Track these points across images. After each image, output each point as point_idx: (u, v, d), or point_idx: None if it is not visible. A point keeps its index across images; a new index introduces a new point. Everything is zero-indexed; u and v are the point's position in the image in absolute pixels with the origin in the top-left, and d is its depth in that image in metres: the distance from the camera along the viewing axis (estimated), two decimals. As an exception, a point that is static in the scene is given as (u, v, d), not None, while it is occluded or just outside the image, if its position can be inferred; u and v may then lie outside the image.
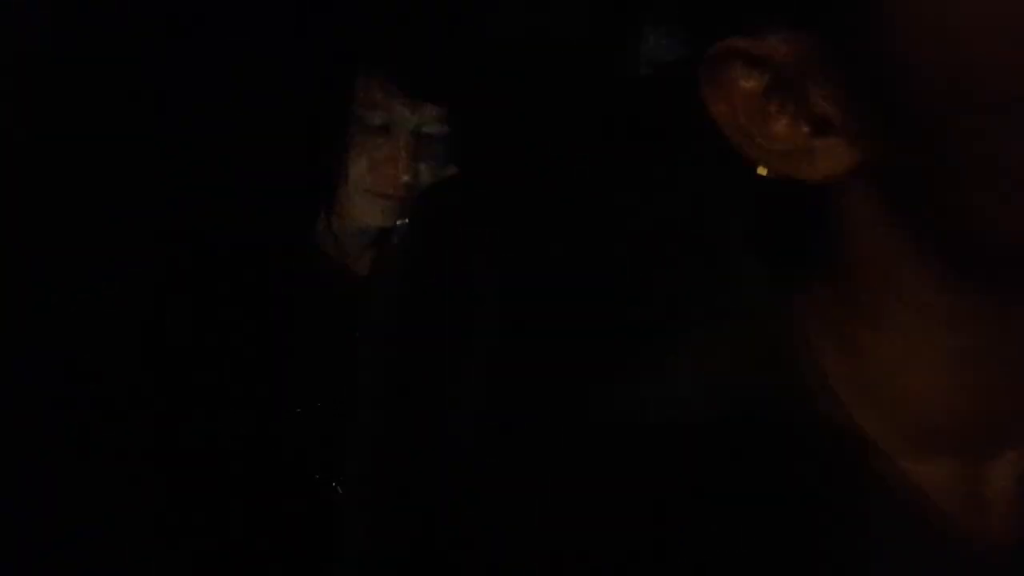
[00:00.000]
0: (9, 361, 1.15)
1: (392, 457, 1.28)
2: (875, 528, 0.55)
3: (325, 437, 1.34)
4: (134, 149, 1.17)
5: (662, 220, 1.13)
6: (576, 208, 1.24)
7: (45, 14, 1.12)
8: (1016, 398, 0.55)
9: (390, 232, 1.43)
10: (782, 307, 0.58)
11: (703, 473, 0.55)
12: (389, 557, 1.23)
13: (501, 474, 0.59)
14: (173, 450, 1.19)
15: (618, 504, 0.55)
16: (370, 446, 1.29)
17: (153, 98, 1.17)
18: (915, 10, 0.47)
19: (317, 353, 1.36)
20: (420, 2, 1.37)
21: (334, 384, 1.35)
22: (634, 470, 0.56)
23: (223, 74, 1.20)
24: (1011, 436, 0.56)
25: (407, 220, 1.39)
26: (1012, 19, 0.47)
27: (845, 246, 0.54)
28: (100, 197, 1.16)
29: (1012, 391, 0.55)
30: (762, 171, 0.53)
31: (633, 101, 1.28)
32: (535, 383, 1.09)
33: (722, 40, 0.51)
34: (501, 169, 1.34)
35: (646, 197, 1.18)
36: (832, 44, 0.50)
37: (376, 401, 1.29)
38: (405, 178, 1.41)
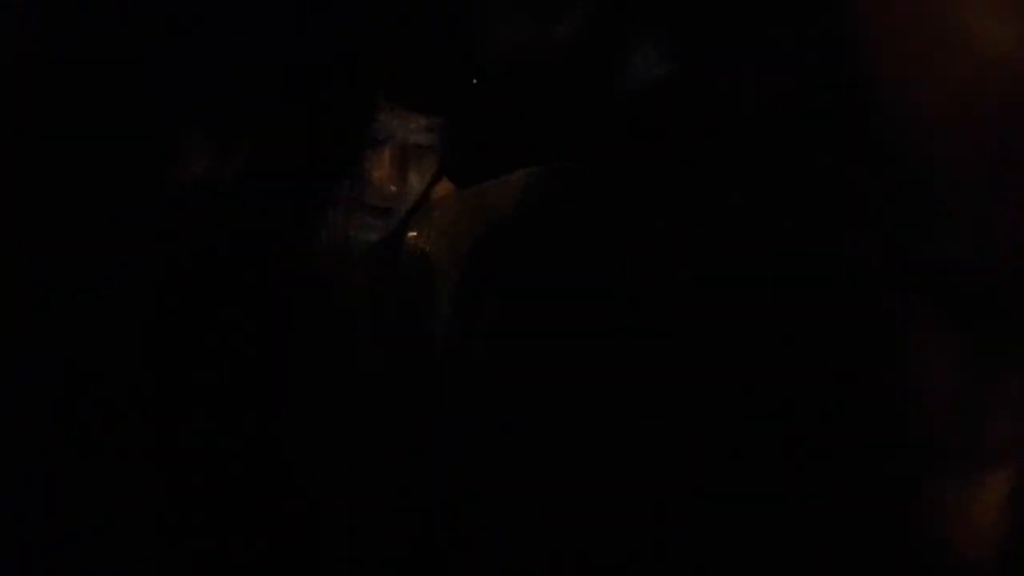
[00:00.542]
0: (8, 361, 1.15)
1: (392, 457, 1.28)
2: None
3: (325, 437, 1.34)
4: (134, 149, 1.17)
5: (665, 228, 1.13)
6: (575, 211, 1.24)
7: (44, 13, 1.13)
8: None
9: (384, 244, 1.43)
10: None
11: (703, 473, 0.55)
12: (389, 557, 1.23)
13: (501, 474, 0.59)
14: (173, 450, 1.19)
15: (618, 504, 0.55)
16: (370, 446, 1.29)
17: (153, 98, 1.17)
18: None
19: (317, 353, 1.36)
20: (409, 13, 1.37)
21: (334, 384, 1.35)
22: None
23: (223, 75, 1.20)
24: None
25: (407, 233, 1.39)
26: None
27: None
28: (100, 197, 1.16)
29: None
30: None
31: (624, 114, 1.29)
32: (547, 383, 1.09)
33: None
34: (495, 179, 1.34)
35: (645, 202, 1.18)
36: None
37: (376, 401, 1.29)
38: (394, 189, 1.41)
